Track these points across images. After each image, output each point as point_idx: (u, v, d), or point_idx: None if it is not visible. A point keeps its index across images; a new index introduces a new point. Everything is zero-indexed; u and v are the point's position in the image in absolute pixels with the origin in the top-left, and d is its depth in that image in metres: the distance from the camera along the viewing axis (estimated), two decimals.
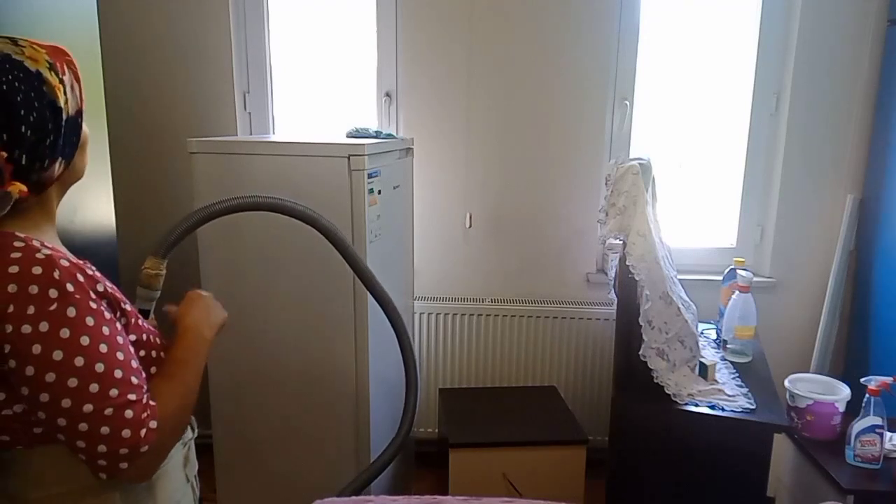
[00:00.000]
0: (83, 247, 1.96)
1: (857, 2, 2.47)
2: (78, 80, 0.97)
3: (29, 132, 0.87)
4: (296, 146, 1.94)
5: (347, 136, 2.21)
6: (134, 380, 0.91)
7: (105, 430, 0.85)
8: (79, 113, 0.96)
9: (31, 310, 0.83)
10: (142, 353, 1.01)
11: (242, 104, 2.73)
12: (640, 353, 1.95)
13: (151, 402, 0.92)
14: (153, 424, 0.90)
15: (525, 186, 2.68)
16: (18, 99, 0.86)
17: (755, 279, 2.38)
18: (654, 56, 2.65)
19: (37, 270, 0.84)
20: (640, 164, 2.04)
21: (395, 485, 2.33)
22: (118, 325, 0.93)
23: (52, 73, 0.91)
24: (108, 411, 0.86)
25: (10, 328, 0.82)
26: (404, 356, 1.86)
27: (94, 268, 1.02)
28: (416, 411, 1.86)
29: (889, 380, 1.91)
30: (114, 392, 0.87)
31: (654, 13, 2.62)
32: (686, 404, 1.90)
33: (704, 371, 2.04)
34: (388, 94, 2.70)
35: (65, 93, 0.93)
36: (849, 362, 2.64)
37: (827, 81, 2.54)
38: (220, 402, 2.08)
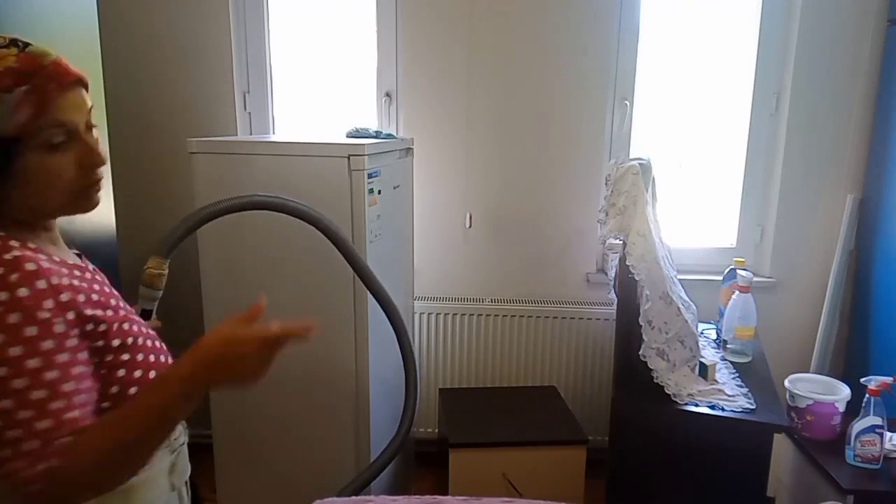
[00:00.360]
0: (83, 247, 1.95)
1: (857, 2, 2.47)
2: (42, 106, 0.84)
3: None
4: (296, 146, 1.94)
5: (347, 136, 2.21)
6: (55, 405, 0.80)
7: (5, 453, 0.78)
8: (14, 140, 0.83)
9: None
10: (125, 356, 0.94)
11: (242, 104, 2.72)
12: (640, 353, 1.95)
13: (61, 442, 0.80)
14: (48, 465, 0.79)
15: (525, 186, 2.68)
16: None
17: (755, 279, 2.38)
18: (654, 56, 2.65)
19: None
20: (640, 164, 2.04)
21: (395, 485, 2.33)
22: (72, 343, 0.85)
23: None
24: (12, 434, 0.78)
25: None
26: (404, 356, 1.86)
27: (93, 269, 1.01)
28: (415, 411, 1.86)
29: (889, 380, 1.91)
30: (24, 414, 0.79)
31: (654, 13, 2.62)
32: (686, 404, 1.90)
33: (704, 371, 2.04)
34: (388, 94, 2.70)
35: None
36: (849, 362, 2.64)
37: (827, 81, 2.54)
38: (220, 402, 2.08)
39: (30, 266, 0.83)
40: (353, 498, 1.37)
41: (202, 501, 1.30)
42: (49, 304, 0.83)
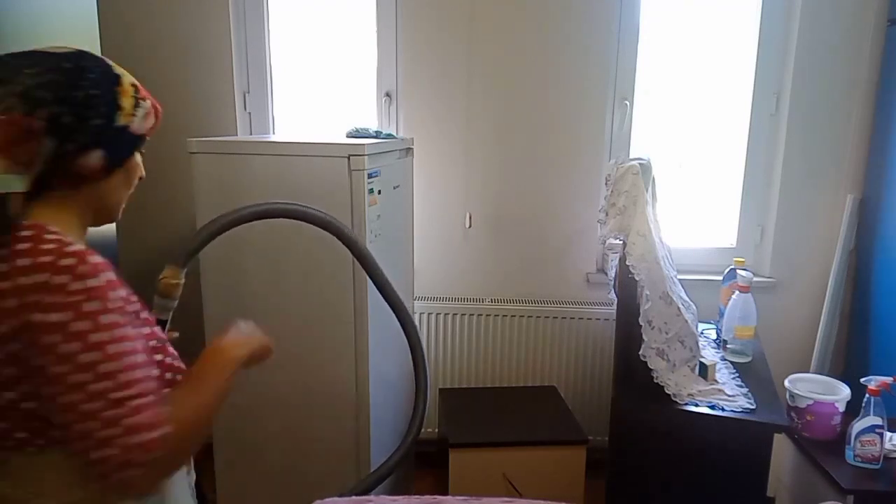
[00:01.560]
0: None
1: (857, 2, 2.47)
2: (156, 120, 1.03)
3: (80, 96, 0.88)
4: (296, 146, 1.94)
5: (347, 136, 2.21)
6: (149, 385, 0.87)
7: (116, 431, 0.82)
8: (141, 138, 1.01)
9: (57, 299, 0.82)
10: (157, 356, 1.00)
11: (242, 104, 2.73)
12: (640, 353, 1.95)
13: (165, 410, 0.88)
14: (164, 431, 0.86)
15: (525, 186, 2.68)
16: (90, 75, 0.91)
17: (755, 279, 2.38)
18: (654, 56, 2.65)
19: (67, 262, 0.84)
20: (640, 164, 2.04)
21: (395, 485, 2.33)
22: (141, 331, 0.92)
23: (132, 88, 0.98)
24: (120, 411, 0.82)
25: (36, 317, 0.81)
26: (415, 361, 1.84)
27: None
28: (425, 415, 1.84)
29: (889, 380, 1.91)
30: (126, 393, 0.84)
31: (654, 13, 2.62)
32: (686, 404, 1.90)
33: (704, 371, 2.04)
34: (388, 94, 2.70)
35: (134, 107, 0.96)
36: (849, 362, 2.64)
37: (827, 81, 2.54)
38: None
39: (94, 259, 0.87)
40: (353, 498, 1.36)
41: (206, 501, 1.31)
42: (119, 293, 0.88)
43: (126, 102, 0.95)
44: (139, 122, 0.98)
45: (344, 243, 1.67)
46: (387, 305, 1.81)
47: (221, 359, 1.05)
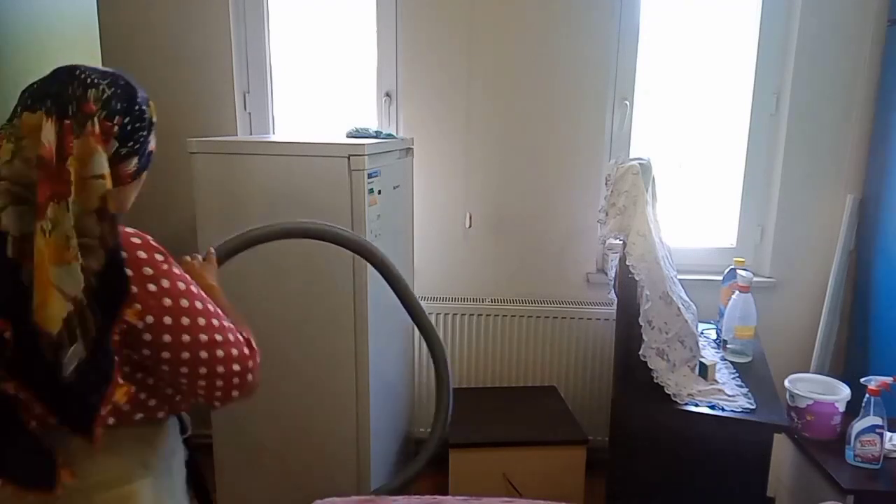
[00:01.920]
0: None
1: (857, 2, 2.47)
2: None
3: (137, 111, 1.01)
4: (296, 146, 1.94)
5: (347, 136, 2.21)
6: (227, 320, 1.03)
7: (235, 351, 0.99)
8: (152, 154, 1.11)
9: (148, 271, 0.94)
10: None
11: (242, 104, 2.72)
12: (640, 353, 1.95)
13: (244, 334, 1.05)
14: (249, 335, 1.05)
15: (525, 186, 2.68)
16: (141, 94, 1.04)
17: (755, 279, 2.38)
18: (654, 56, 2.65)
19: (137, 240, 0.98)
20: (640, 164, 2.04)
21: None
22: None
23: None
24: (219, 336, 0.98)
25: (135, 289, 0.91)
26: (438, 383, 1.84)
27: None
28: (448, 421, 1.79)
29: (889, 380, 1.91)
30: (228, 324, 1.01)
31: (654, 13, 2.62)
32: (686, 404, 1.90)
33: (704, 371, 2.04)
34: (388, 94, 2.70)
35: (154, 126, 1.09)
36: (849, 362, 2.64)
37: (827, 81, 2.54)
38: None
39: (154, 242, 1.01)
40: (354, 497, 1.37)
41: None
42: (173, 262, 1.01)
43: (153, 117, 1.07)
44: (154, 142, 1.08)
45: (376, 267, 1.68)
46: (387, 307, 1.81)
47: (219, 293, 1.18)
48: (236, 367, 0.99)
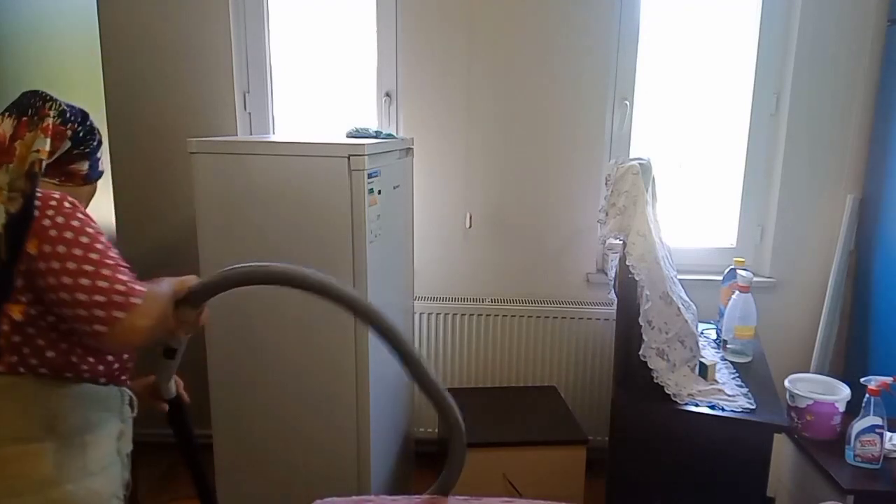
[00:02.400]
0: None
1: (857, 2, 2.47)
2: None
3: (89, 125, 1.28)
4: (296, 146, 1.94)
5: (347, 136, 2.21)
6: (124, 270, 1.13)
7: (104, 283, 1.08)
8: (101, 174, 1.35)
9: (53, 216, 1.11)
10: None
11: (242, 104, 2.73)
12: (640, 353, 1.95)
13: (139, 286, 1.13)
14: (142, 289, 1.12)
15: (525, 186, 2.68)
16: (90, 118, 1.30)
17: (755, 279, 2.38)
18: (654, 56, 2.65)
19: (56, 198, 1.13)
20: (640, 164, 2.04)
21: (395, 485, 2.33)
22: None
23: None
24: (106, 271, 1.09)
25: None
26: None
27: None
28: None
29: (889, 380, 1.91)
30: (110, 261, 1.11)
31: (654, 13, 2.62)
32: (686, 404, 1.90)
33: (704, 371, 2.04)
34: (388, 94, 2.70)
35: (101, 146, 1.33)
36: (849, 362, 2.64)
37: (827, 81, 2.54)
38: (220, 402, 2.08)
39: (81, 206, 1.17)
40: (353, 498, 1.36)
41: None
42: (96, 226, 1.15)
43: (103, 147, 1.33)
44: (102, 164, 1.33)
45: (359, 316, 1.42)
46: (387, 307, 1.80)
47: (166, 293, 1.21)
48: (111, 297, 1.07)
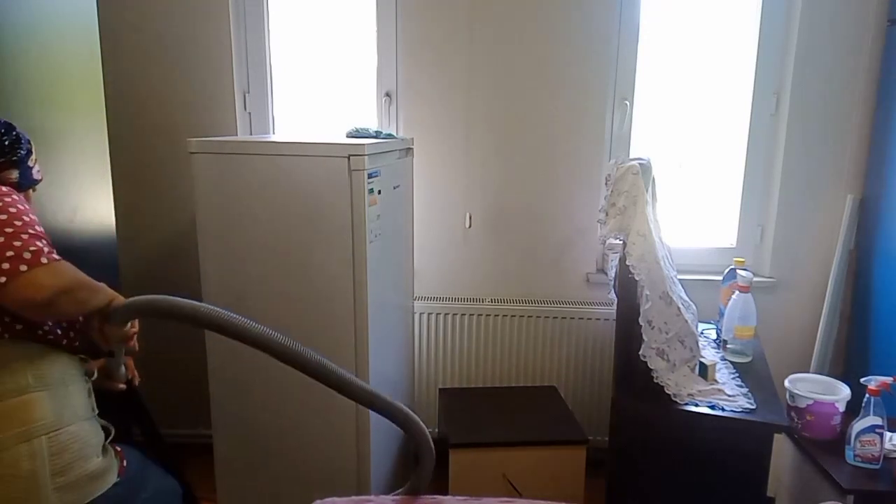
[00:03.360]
0: (83, 246, 1.96)
1: (857, 2, 2.47)
2: (40, 181, 1.47)
3: (15, 135, 1.40)
4: (296, 146, 1.94)
5: (347, 136, 2.21)
6: (44, 241, 1.24)
7: (17, 243, 1.18)
8: (36, 182, 1.45)
9: None
10: None
11: (242, 104, 2.72)
12: (640, 353, 1.95)
13: (56, 256, 1.23)
14: (57, 257, 1.22)
15: (525, 186, 2.68)
16: (18, 129, 1.41)
17: (755, 279, 2.38)
18: (654, 56, 2.65)
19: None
20: (640, 164, 2.04)
21: (395, 485, 2.33)
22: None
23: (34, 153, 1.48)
24: (24, 236, 1.20)
25: None
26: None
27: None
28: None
29: (889, 380, 1.91)
30: (31, 231, 1.22)
31: (654, 13, 2.62)
32: (686, 404, 1.90)
33: (704, 371, 2.04)
34: (388, 94, 2.70)
35: (36, 161, 1.45)
36: (849, 362, 2.64)
37: (827, 81, 2.54)
38: (220, 402, 2.08)
39: (14, 193, 1.31)
40: (353, 498, 1.36)
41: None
42: (24, 208, 1.28)
43: (34, 156, 1.44)
44: (36, 172, 1.43)
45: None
46: (387, 307, 1.79)
47: (104, 295, 1.31)
48: (20, 255, 1.17)
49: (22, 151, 1.38)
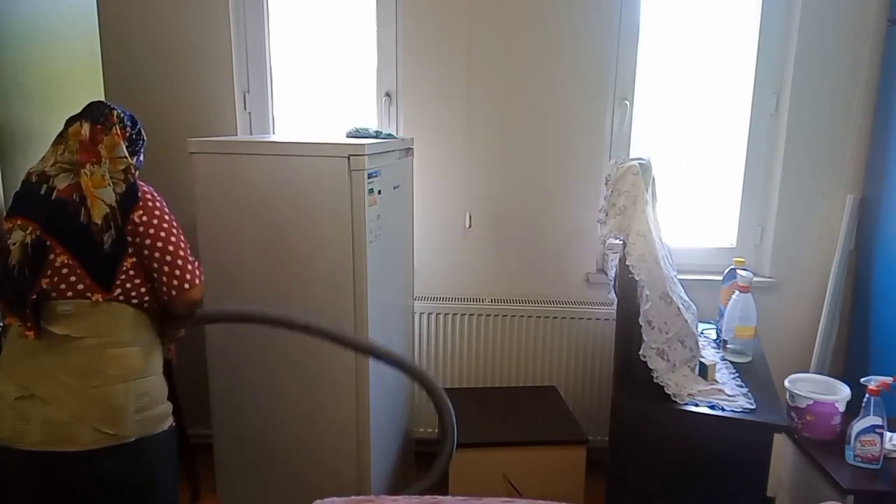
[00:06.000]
0: None
1: (857, 2, 2.47)
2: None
3: (139, 128, 1.63)
4: (296, 146, 1.94)
5: (347, 136, 2.21)
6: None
7: (185, 254, 1.53)
8: (142, 162, 1.67)
9: (150, 197, 1.52)
10: None
11: (242, 104, 2.73)
12: (640, 353, 1.95)
13: (198, 264, 1.56)
14: (201, 274, 1.57)
15: (525, 186, 2.68)
16: (139, 122, 1.64)
17: (755, 279, 2.38)
18: (654, 56, 2.65)
19: (146, 188, 1.54)
20: (640, 164, 2.04)
21: (395, 485, 2.33)
22: None
23: None
24: (187, 248, 1.54)
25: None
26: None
27: None
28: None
29: (889, 380, 1.91)
30: (185, 241, 1.54)
31: (654, 13, 2.62)
32: (686, 404, 1.90)
33: (704, 371, 2.04)
34: (388, 94, 2.70)
35: (145, 143, 1.69)
36: (849, 362, 2.65)
37: (827, 81, 2.54)
38: (220, 402, 2.08)
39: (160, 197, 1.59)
40: (354, 498, 1.37)
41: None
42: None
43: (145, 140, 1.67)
44: (144, 158, 1.68)
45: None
46: (387, 307, 1.80)
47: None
48: (186, 269, 1.52)
49: (142, 142, 1.63)
